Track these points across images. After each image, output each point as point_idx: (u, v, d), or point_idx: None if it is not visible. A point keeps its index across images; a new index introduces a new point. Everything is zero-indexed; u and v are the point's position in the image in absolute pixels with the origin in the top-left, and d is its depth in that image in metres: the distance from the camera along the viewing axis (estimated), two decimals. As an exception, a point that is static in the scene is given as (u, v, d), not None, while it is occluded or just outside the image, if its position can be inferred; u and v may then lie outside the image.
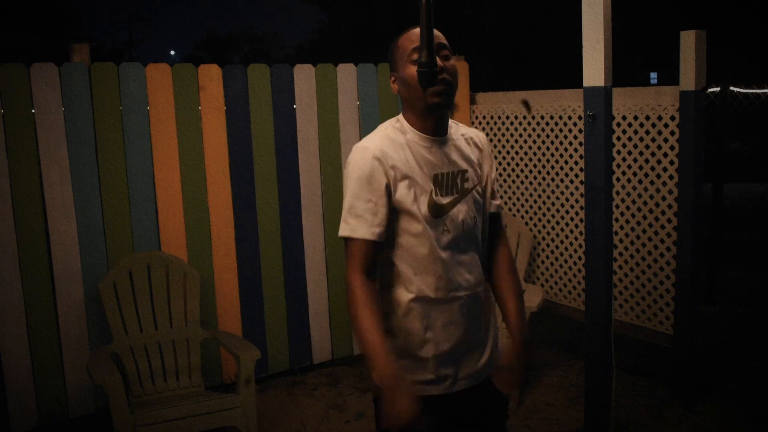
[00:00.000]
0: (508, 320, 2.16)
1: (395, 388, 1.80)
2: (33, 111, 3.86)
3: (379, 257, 2.00)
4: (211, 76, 4.31)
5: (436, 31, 1.96)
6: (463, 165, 2.09)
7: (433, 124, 2.03)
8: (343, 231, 1.97)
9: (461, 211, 2.05)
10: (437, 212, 2.01)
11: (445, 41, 2.02)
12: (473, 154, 2.14)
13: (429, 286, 2.01)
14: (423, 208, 1.98)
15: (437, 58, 1.94)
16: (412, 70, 1.97)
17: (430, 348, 2.04)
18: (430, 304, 2.02)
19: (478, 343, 2.14)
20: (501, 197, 5.17)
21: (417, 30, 1.97)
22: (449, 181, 2.04)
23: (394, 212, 1.98)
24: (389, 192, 1.96)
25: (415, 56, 1.97)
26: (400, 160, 1.98)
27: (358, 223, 1.95)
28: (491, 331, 2.19)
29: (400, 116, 2.08)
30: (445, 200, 2.02)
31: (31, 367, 3.89)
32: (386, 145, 1.99)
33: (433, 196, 2.00)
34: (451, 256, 2.02)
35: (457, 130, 2.14)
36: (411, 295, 2.01)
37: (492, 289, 2.21)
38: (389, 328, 2.03)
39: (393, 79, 2.08)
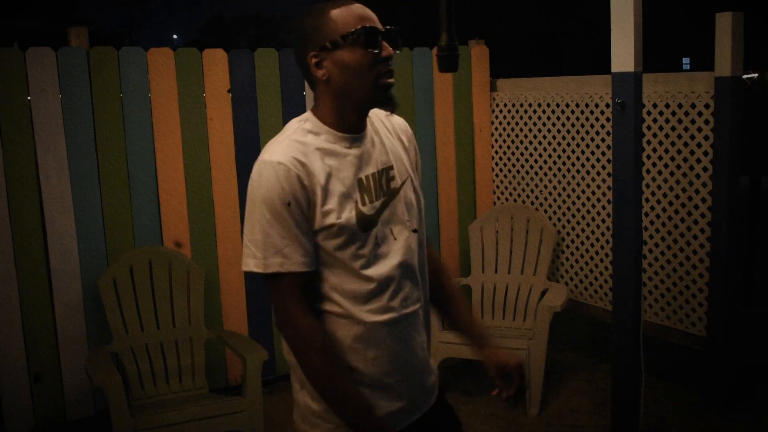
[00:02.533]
0: (465, 321, 2.07)
1: None
2: (29, 98, 3.87)
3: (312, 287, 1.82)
4: (216, 61, 4.32)
5: (372, 13, 1.78)
6: (388, 160, 1.88)
7: (357, 118, 1.82)
8: (270, 267, 1.73)
9: (391, 216, 1.85)
10: (366, 224, 1.79)
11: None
12: (397, 145, 1.94)
13: (372, 309, 1.81)
14: (350, 222, 1.76)
15: (385, 43, 1.77)
16: (359, 54, 1.74)
17: (381, 374, 1.85)
18: (375, 328, 1.81)
19: (425, 363, 1.97)
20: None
21: (356, 6, 1.78)
22: (375, 184, 1.83)
23: (316, 233, 1.76)
24: (311, 212, 1.75)
25: (365, 37, 1.74)
26: (317, 170, 1.75)
27: (283, 255, 1.72)
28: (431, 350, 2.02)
29: (309, 114, 1.84)
30: (372, 208, 1.81)
31: (27, 367, 3.92)
32: (298, 153, 1.74)
33: (359, 206, 1.78)
34: (390, 272, 1.82)
35: (375, 117, 1.93)
36: (353, 323, 1.80)
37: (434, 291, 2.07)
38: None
39: (316, 60, 1.78)
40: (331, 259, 1.79)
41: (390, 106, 1.82)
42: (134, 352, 3.84)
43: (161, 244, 4.20)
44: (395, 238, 1.85)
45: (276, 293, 1.77)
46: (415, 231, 1.91)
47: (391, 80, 1.78)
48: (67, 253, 3.98)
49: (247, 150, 4.42)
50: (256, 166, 1.76)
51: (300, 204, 1.73)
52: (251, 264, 1.75)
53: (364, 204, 1.80)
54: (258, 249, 1.74)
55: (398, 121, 2.00)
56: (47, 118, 3.90)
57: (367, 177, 1.82)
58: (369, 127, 1.88)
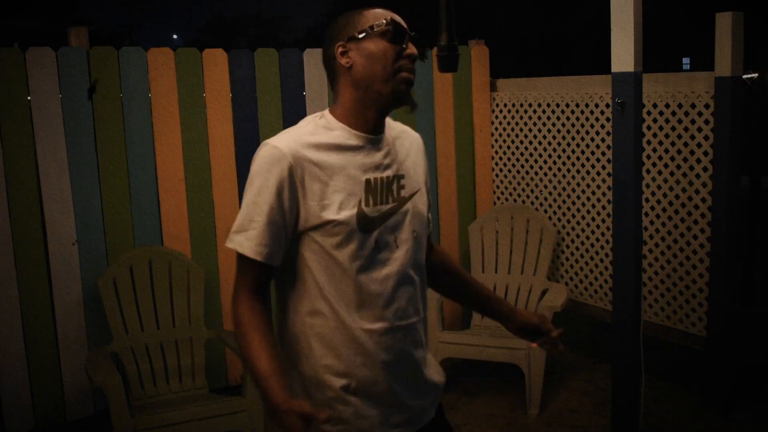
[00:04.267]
0: (493, 302, 2.14)
1: (280, 411, 1.63)
2: (29, 98, 3.88)
3: (279, 281, 1.85)
4: (216, 61, 4.32)
5: (398, 17, 1.82)
6: (401, 169, 1.87)
7: (373, 118, 1.82)
8: (231, 242, 1.77)
9: (397, 224, 1.83)
10: (367, 225, 1.77)
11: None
12: (413, 158, 1.94)
13: (363, 316, 1.79)
14: (349, 220, 1.75)
15: (411, 44, 1.80)
16: (385, 45, 1.77)
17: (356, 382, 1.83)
18: (364, 335, 1.79)
19: (420, 379, 1.94)
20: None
21: (388, 11, 1.82)
22: (384, 188, 1.82)
23: (310, 229, 1.76)
24: (296, 205, 1.75)
25: (392, 32, 1.78)
26: (320, 165, 1.75)
27: (249, 237, 1.74)
28: (428, 368, 1.98)
29: (326, 112, 1.85)
30: (376, 211, 1.79)
31: (26, 368, 3.92)
32: (302, 144, 1.76)
33: (363, 205, 1.77)
34: (386, 279, 1.80)
35: (394, 128, 1.93)
36: (343, 327, 1.79)
37: (449, 285, 2.11)
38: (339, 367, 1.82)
39: (342, 49, 1.80)
40: (327, 259, 1.77)
41: (408, 103, 1.82)
42: (134, 352, 3.84)
43: (161, 244, 4.20)
44: (398, 247, 1.83)
45: (236, 268, 1.81)
46: (419, 243, 1.89)
47: (412, 76, 1.80)
48: (67, 253, 3.98)
49: (247, 150, 4.41)
50: (260, 148, 1.79)
51: (282, 194, 1.73)
52: (228, 238, 1.80)
53: (367, 205, 1.79)
54: (235, 223, 1.78)
55: (414, 135, 2.01)
56: (47, 118, 3.90)
57: (375, 179, 1.81)
58: (387, 135, 1.88)
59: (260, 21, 38.55)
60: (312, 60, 4.57)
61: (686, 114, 4.04)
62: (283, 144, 1.75)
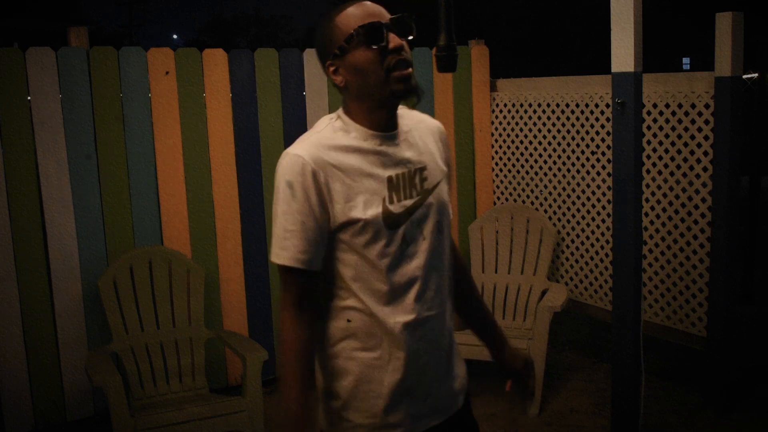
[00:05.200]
0: (490, 326, 2.16)
1: None
2: (29, 98, 3.88)
3: (321, 286, 1.84)
4: (216, 61, 4.32)
5: (380, 7, 1.78)
6: (421, 161, 1.87)
7: (385, 116, 1.81)
8: (274, 257, 1.78)
9: (423, 217, 1.84)
10: (393, 222, 1.79)
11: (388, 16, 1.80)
12: (432, 147, 1.93)
13: (395, 309, 1.81)
14: (375, 219, 1.76)
15: (393, 35, 1.76)
16: (365, 53, 1.74)
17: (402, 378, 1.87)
18: (397, 329, 1.81)
19: (449, 368, 1.98)
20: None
21: (361, 3, 1.78)
22: (406, 183, 1.82)
23: (339, 230, 1.77)
24: (324, 209, 1.75)
25: (366, 35, 1.74)
26: (341, 167, 1.76)
27: (285, 247, 1.76)
28: (455, 357, 2.02)
29: (341, 112, 1.85)
30: (401, 207, 1.80)
31: (26, 368, 3.92)
32: (322, 149, 1.76)
33: (387, 204, 1.78)
34: (415, 272, 1.82)
35: (411, 118, 1.92)
36: (375, 322, 1.81)
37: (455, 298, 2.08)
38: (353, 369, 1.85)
39: (333, 68, 1.80)
40: (357, 257, 1.79)
41: (411, 97, 1.80)
42: (134, 352, 3.84)
43: (161, 244, 4.20)
44: (425, 239, 1.84)
45: (281, 282, 1.81)
46: (443, 232, 1.90)
47: (406, 71, 1.76)
48: (67, 252, 3.98)
49: (247, 150, 4.42)
50: (282, 159, 1.79)
51: (310, 200, 1.74)
52: (272, 254, 1.81)
53: (392, 202, 1.79)
54: (273, 238, 1.79)
55: (434, 123, 1.99)
56: (47, 118, 3.90)
57: (397, 175, 1.82)
58: (402, 127, 1.87)
59: (260, 21, 38.55)
60: (312, 60, 4.57)
61: (686, 114, 4.04)
62: (303, 151, 1.75)
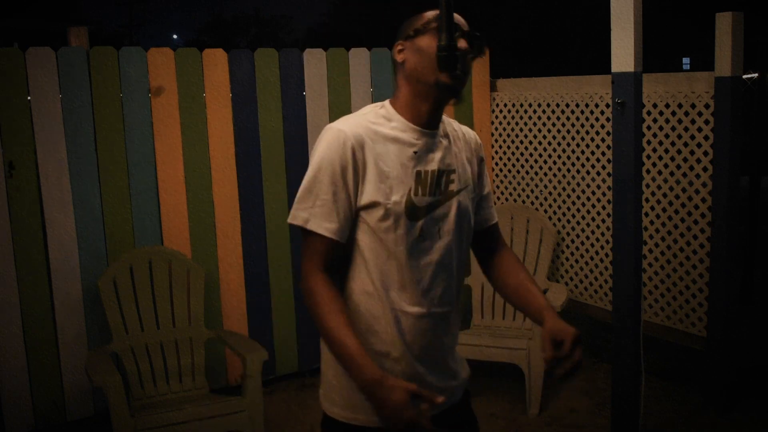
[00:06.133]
0: (541, 305, 2.00)
1: (384, 387, 1.70)
2: (29, 98, 3.88)
3: (338, 256, 1.88)
4: (216, 61, 4.32)
5: (459, 18, 1.90)
6: (452, 164, 1.95)
7: (427, 111, 1.90)
8: (295, 219, 1.84)
9: (442, 217, 1.91)
10: (414, 213, 1.86)
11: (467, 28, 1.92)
12: (464, 154, 2.01)
13: (403, 298, 1.87)
14: (398, 206, 1.84)
15: (463, 40, 1.87)
16: (433, 41, 1.85)
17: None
18: (403, 317, 1.87)
19: (450, 365, 2.02)
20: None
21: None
22: (432, 181, 1.90)
23: (363, 210, 1.84)
24: (357, 185, 1.83)
25: (443, 28, 1.84)
26: (378, 151, 1.85)
27: (315, 214, 1.82)
28: (456, 358, 2.06)
29: (386, 103, 1.95)
30: (424, 201, 1.88)
31: (26, 368, 3.92)
32: (365, 131, 1.86)
33: (412, 194, 1.86)
34: (427, 267, 1.88)
35: (450, 125, 2.02)
36: (384, 307, 1.87)
37: (505, 286, 2.10)
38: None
39: (400, 48, 1.92)
40: (376, 241, 1.85)
41: (454, 96, 1.89)
42: (134, 352, 3.84)
43: (161, 244, 4.20)
44: (441, 238, 1.91)
45: (302, 247, 1.86)
46: (461, 237, 1.96)
47: (458, 72, 1.85)
48: (67, 252, 3.98)
49: (247, 150, 4.42)
50: (325, 131, 1.87)
51: (347, 175, 1.82)
52: (291, 215, 1.86)
53: (416, 195, 1.87)
54: (298, 199, 1.85)
55: (471, 134, 2.08)
56: (47, 118, 3.90)
57: (426, 171, 1.89)
58: (442, 130, 1.96)
59: (260, 21, 38.53)
60: (312, 60, 4.57)
61: (686, 114, 4.04)
62: (347, 128, 1.84)
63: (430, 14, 1.91)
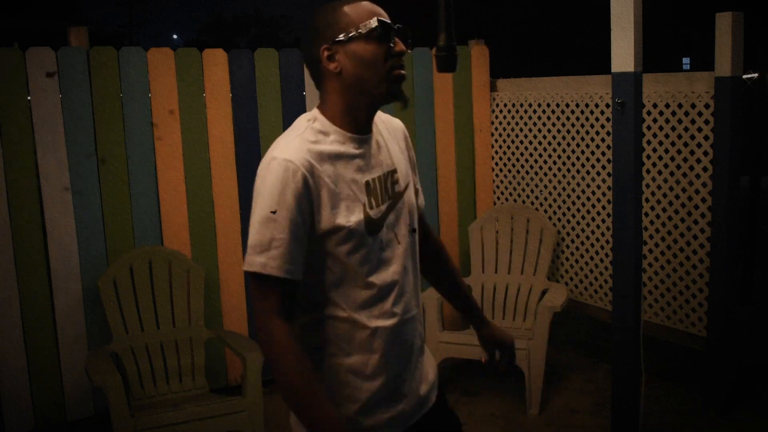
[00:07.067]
0: (469, 304, 2.24)
1: None
2: (29, 98, 3.88)
3: (301, 293, 1.78)
4: (216, 61, 4.32)
5: (382, 10, 1.80)
6: (392, 163, 1.87)
7: (363, 118, 1.80)
8: (251, 266, 1.69)
9: (396, 221, 1.84)
10: (373, 228, 1.77)
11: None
12: (398, 148, 1.94)
13: (374, 314, 1.80)
14: (359, 226, 1.75)
15: (398, 39, 1.78)
16: (373, 47, 1.74)
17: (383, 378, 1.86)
18: (378, 333, 1.81)
19: (422, 365, 1.99)
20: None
21: (367, 3, 1.79)
22: (381, 187, 1.82)
23: (322, 238, 1.74)
24: (312, 216, 1.71)
25: (378, 31, 1.74)
26: (326, 173, 1.72)
27: (273, 257, 1.67)
28: (425, 357, 2.03)
29: (317, 113, 1.81)
30: (379, 211, 1.80)
31: (26, 368, 3.92)
32: (310, 155, 1.72)
33: (367, 209, 1.77)
34: (393, 277, 1.82)
35: (377, 118, 1.92)
36: (357, 328, 1.80)
37: (437, 281, 2.20)
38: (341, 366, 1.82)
39: (329, 53, 1.76)
40: (339, 266, 1.77)
41: (402, 100, 1.81)
42: (134, 352, 3.84)
43: (161, 244, 4.20)
44: (399, 242, 1.85)
45: (254, 293, 1.73)
46: (414, 232, 1.92)
47: (404, 72, 1.79)
48: (67, 252, 3.98)
49: (247, 150, 4.42)
50: (264, 162, 1.73)
51: (302, 207, 1.69)
52: (246, 263, 1.72)
53: (371, 207, 1.78)
54: (251, 244, 1.70)
55: (396, 123, 2.01)
56: (47, 118, 3.90)
57: (373, 180, 1.81)
58: (374, 130, 1.87)
59: (260, 21, 38.53)
60: (312, 60, 4.57)
61: (686, 114, 4.04)
62: (293, 156, 1.70)
63: (356, 11, 1.76)
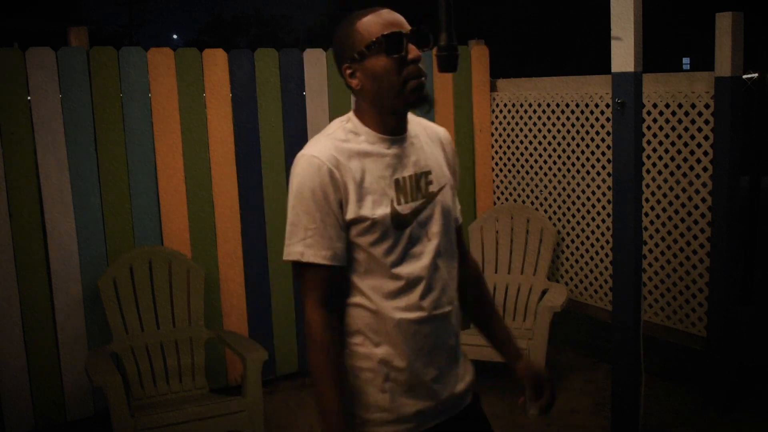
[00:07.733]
0: (503, 336, 2.20)
1: None
2: (29, 98, 3.88)
3: (339, 283, 1.85)
4: (216, 61, 4.32)
5: (400, 17, 1.84)
6: (427, 165, 1.93)
7: (395, 121, 1.88)
8: (291, 255, 1.81)
9: (428, 219, 1.89)
10: (400, 223, 1.84)
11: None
12: (437, 153, 2.00)
13: (401, 306, 1.85)
14: (384, 219, 1.82)
15: (412, 46, 1.81)
16: (384, 61, 1.80)
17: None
18: (404, 325, 1.85)
19: (456, 367, 2.01)
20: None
21: (383, 12, 1.83)
22: (412, 185, 1.88)
23: (350, 229, 1.82)
24: (341, 207, 1.80)
25: (387, 44, 1.79)
26: (354, 169, 1.81)
27: (309, 245, 1.79)
28: (461, 358, 2.05)
29: (351, 115, 1.91)
30: (408, 208, 1.86)
31: (26, 368, 3.92)
32: (338, 152, 1.82)
33: (395, 204, 1.84)
34: (420, 272, 1.87)
35: (418, 124, 1.99)
36: (383, 318, 1.85)
37: (465, 304, 2.12)
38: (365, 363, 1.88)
39: (350, 71, 1.86)
40: (365, 255, 1.84)
41: (424, 105, 1.86)
42: (134, 352, 3.84)
43: (161, 244, 4.20)
44: (429, 240, 1.89)
45: (300, 282, 1.84)
46: (448, 236, 1.95)
47: (420, 80, 1.82)
48: (67, 252, 3.98)
49: (247, 150, 4.42)
50: (295, 160, 1.84)
51: (329, 198, 1.79)
52: (285, 252, 1.83)
53: (399, 203, 1.85)
54: (287, 236, 1.82)
55: (440, 130, 2.07)
56: (47, 118, 3.90)
57: (404, 178, 1.87)
58: (410, 131, 1.93)
59: (260, 21, 38.51)
60: (312, 60, 4.57)
61: (686, 114, 4.04)
62: (320, 152, 1.81)
63: (366, 26, 1.82)
